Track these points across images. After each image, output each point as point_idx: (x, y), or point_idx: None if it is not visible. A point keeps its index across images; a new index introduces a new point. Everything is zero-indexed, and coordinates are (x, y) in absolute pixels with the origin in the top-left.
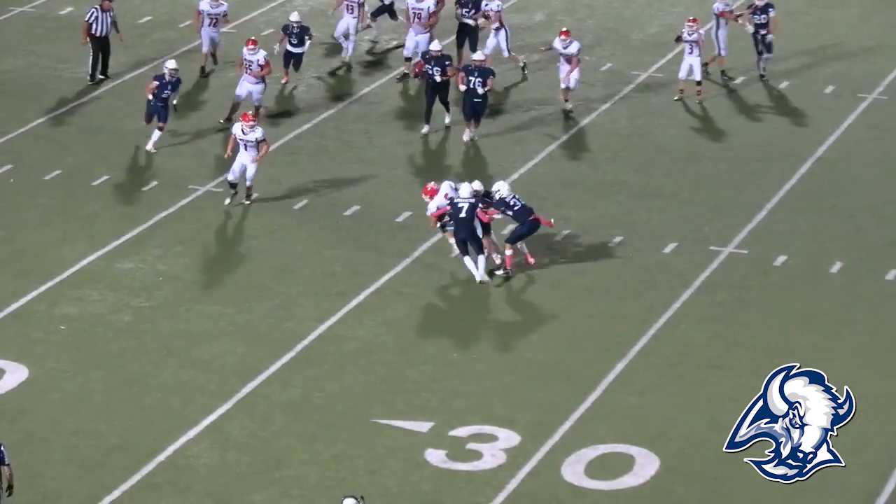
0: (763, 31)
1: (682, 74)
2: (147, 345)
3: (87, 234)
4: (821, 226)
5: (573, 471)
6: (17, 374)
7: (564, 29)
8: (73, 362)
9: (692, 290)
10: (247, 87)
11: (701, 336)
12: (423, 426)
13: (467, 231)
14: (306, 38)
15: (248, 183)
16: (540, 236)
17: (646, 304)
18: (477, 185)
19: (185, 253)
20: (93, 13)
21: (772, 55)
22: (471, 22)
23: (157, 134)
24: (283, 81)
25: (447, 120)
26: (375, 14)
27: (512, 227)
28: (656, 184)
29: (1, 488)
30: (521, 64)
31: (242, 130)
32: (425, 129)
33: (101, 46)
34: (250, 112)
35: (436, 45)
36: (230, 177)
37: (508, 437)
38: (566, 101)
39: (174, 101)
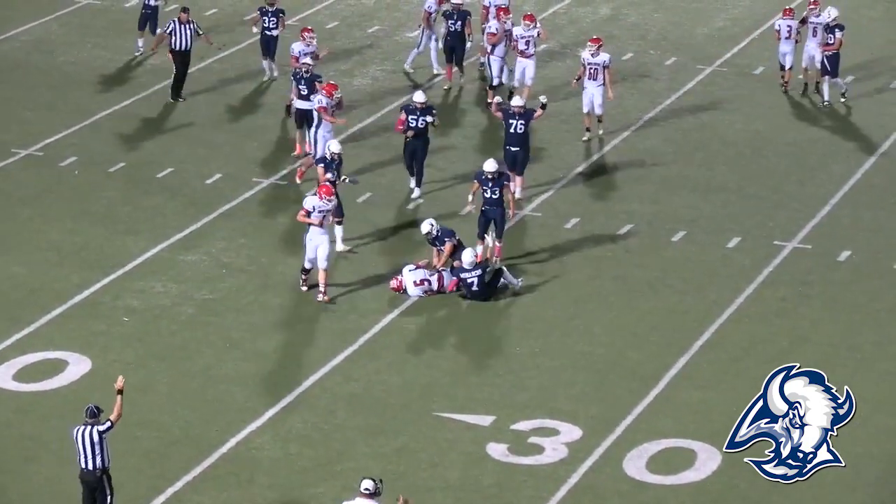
0: (827, 53)
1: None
2: (210, 337)
3: (150, 227)
4: (885, 221)
5: (635, 465)
6: (80, 365)
7: (595, 36)
8: (136, 354)
9: (756, 285)
10: (323, 133)
11: (764, 331)
12: (485, 420)
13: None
14: (317, 85)
15: (324, 265)
16: (603, 231)
17: (709, 298)
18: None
19: (248, 245)
20: (170, 25)
21: (838, 79)
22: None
23: (339, 230)
24: (295, 156)
25: (416, 193)
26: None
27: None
28: (720, 178)
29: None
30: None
31: (321, 202)
32: (413, 182)
33: (183, 62)
34: (329, 183)
35: (420, 96)
36: (307, 264)
37: (570, 432)
38: (588, 129)
39: (345, 179)
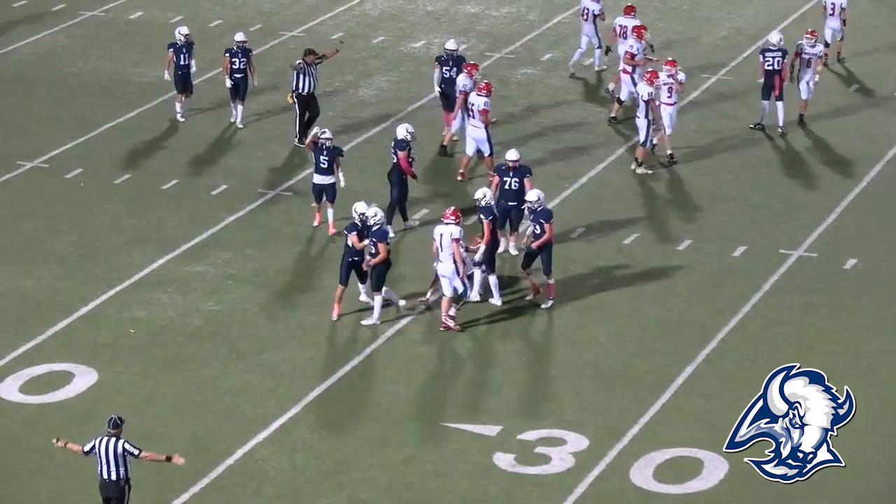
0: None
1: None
2: (216, 348)
3: (156, 238)
4: (891, 229)
5: (642, 475)
6: (86, 377)
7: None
8: (143, 366)
9: (761, 294)
10: (471, 131)
11: (770, 340)
12: (492, 430)
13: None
14: (339, 159)
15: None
16: (609, 240)
17: (715, 307)
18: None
19: (254, 256)
20: (299, 63)
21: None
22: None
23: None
24: (316, 224)
25: (412, 222)
26: None
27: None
28: (726, 187)
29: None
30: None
31: (452, 234)
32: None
33: (307, 105)
34: (457, 210)
35: (402, 132)
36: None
37: (577, 441)
38: (670, 150)
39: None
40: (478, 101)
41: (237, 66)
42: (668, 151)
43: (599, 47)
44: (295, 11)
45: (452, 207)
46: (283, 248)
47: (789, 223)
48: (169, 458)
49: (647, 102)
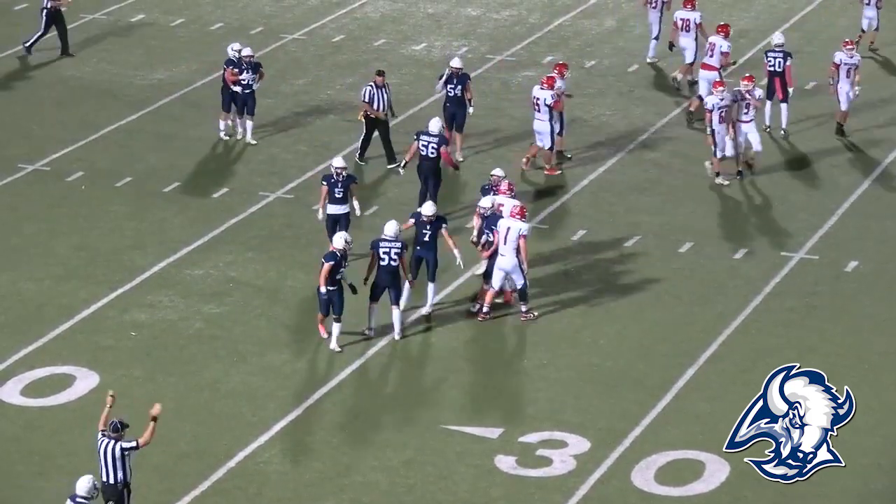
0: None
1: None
2: (218, 351)
3: (157, 241)
4: (892, 231)
5: (643, 477)
6: (87, 380)
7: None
8: (144, 369)
9: (763, 296)
10: (536, 124)
11: (772, 342)
12: (494, 432)
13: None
14: (353, 186)
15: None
16: (610, 242)
17: (716, 309)
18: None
19: (255, 259)
20: (367, 90)
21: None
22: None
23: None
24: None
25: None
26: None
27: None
28: (727, 189)
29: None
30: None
31: (521, 230)
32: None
33: (375, 125)
34: (524, 207)
35: (437, 125)
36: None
37: (578, 443)
38: (739, 164)
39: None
40: (543, 94)
41: (245, 82)
42: (738, 168)
43: (656, 38)
44: (296, 14)
45: (520, 205)
46: (284, 251)
47: (790, 225)
48: (154, 419)
49: (710, 112)
